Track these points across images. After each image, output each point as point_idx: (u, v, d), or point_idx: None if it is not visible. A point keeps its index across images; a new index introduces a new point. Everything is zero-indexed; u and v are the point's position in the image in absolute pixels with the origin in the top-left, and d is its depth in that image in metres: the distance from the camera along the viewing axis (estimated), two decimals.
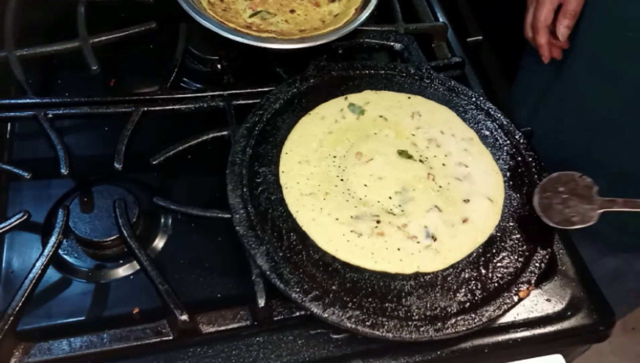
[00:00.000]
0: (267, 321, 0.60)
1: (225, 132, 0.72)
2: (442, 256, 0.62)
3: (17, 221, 0.62)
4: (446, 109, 0.76)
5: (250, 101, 0.76)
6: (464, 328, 0.57)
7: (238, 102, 0.77)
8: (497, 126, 0.75)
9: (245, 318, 0.61)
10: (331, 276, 0.59)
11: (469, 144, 0.73)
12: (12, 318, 0.56)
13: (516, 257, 0.63)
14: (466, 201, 0.67)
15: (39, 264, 0.59)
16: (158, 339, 0.59)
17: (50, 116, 0.72)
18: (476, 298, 0.59)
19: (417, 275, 0.60)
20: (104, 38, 0.80)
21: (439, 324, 0.57)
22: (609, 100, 0.81)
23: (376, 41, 0.87)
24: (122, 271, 0.66)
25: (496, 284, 0.61)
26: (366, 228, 0.63)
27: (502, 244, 0.64)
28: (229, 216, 0.63)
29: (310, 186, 0.66)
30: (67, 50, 0.78)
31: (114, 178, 0.69)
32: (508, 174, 0.71)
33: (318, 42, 0.78)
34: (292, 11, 0.87)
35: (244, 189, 0.64)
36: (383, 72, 0.80)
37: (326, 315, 0.56)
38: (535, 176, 0.70)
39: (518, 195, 0.69)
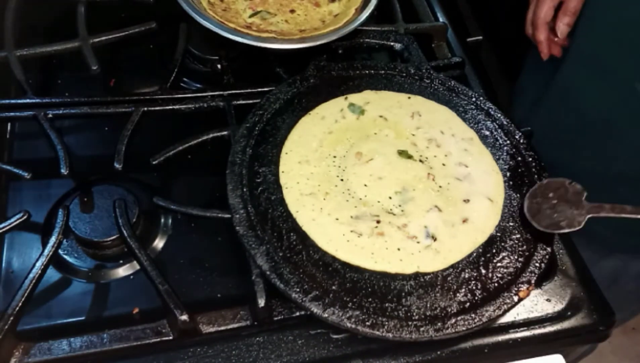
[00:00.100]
0: (267, 321, 0.60)
1: (225, 132, 0.72)
2: (442, 256, 0.62)
3: (17, 221, 0.62)
4: (446, 109, 0.76)
5: (250, 101, 0.76)
6: (464, 328, 0.57)
7: (238, 102, 0.77)
8: (497, 126, 0.75)
9: (245, 318, 0.61)
10: (331, 276, 0.59)
11: (469, 144, 0.73)
12: (12, 318, 0.56)
13: (516, 257, 0.63)
14: (466, 201, 0.67)
15: (39, 264, 0.59)
16: (158, 339, 0.59)
17: (50, 116, 0.72)
18: (476, 298, 0.59)
19: (417, 275, 0.61)
20: (104, 38, 0.80)
21: (439, 324, 0.57)
22: (607, 100, 0.81)
23: (376, 41, 0.87)
24: (122, 271, 0.66)
25: (496, 284, 0.61)
26: (366, 228, 0.63)
27: (502, 244, 0.64)
28: (229, 216, 0.63)
29: (310, 186, 0.66)
30: (67, 50, 0.78)
31: (114, 178, 0.69)
32: (508, 174, 0.71)
33: (318, 42, 0.78)
34: (292, 11, 0.87)
35: (244, 189, 0.64)
36: (383, 72, 0.80)
37: (326, 315, 0.56)
38: (535, 176, 0.70)
39: (518, 195, 0.69)
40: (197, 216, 0.65)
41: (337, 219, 0.63)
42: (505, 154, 0.73)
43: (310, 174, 0.67)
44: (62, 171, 0.68)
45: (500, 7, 1.11)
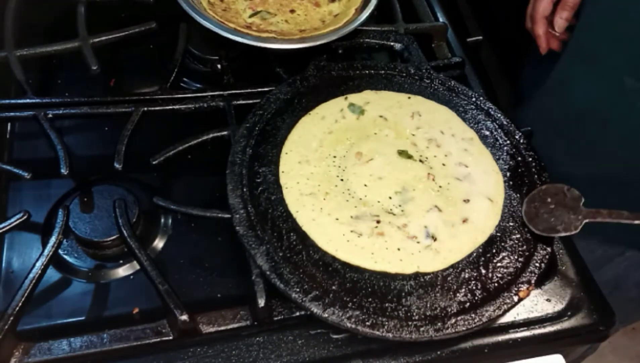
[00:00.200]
0: (267, 321, 0.60)
1: (225, 132, 0.72)
2: (442, 256, 0.62)
3: (17, 221, 0.62)
4: (446, 109, 0.76)
5: (250, 101, 0.76)
6: (464, 328, 0.57)
7: (238, 102, 0.77)
8: (497, 126, 0.75)
9: (245, 318, 0.61)
10: (331, 276, 0.59)
11: (469, 144, 0.73)
12: (12, 318, 0.56)
13: (516, 257, 0.63)
14: (466, 201, 0.67)
15: (39, 264, 0.59)
16: (158, 339, 0.59)
17: (50, 116, 0.72)
18: (476, 298, 0.59)
19: (417, 275, 0.60)
20: (104, 38, 0.80)
21: (439, 324, 0.57)
22: (599, 95, 0.81)
23: (376, 41, 0.87)
24: (122, 271, 0.66)
25: (496, 284, 0.61)
26: (366, 228, 0.63)
27: (502, 244, 0.64)
28: (229, 216, 0.63)
29: (310, 186, 0.66)
30: (67, 50, 0.78)
31: (114, 178, 0.69)
32: (508, 174, 0.71)
33: (318, 42, 0.78)
34: (292, 11, 0.87)
35: (244, 189, 0.64)
36: (383, 72, 0.80)
37: (326, 315, 0.56)
38: (535, 176, 0.70)
39: (518, 195, 0.69)
40: (197, 216, 0.65)
41: (337, 219, 0.63)
42: (505, 154, 0.73)
43: (310, 174, 0.67)
44: (62, 171, 0.68)
45: (500, 7, 1.11)
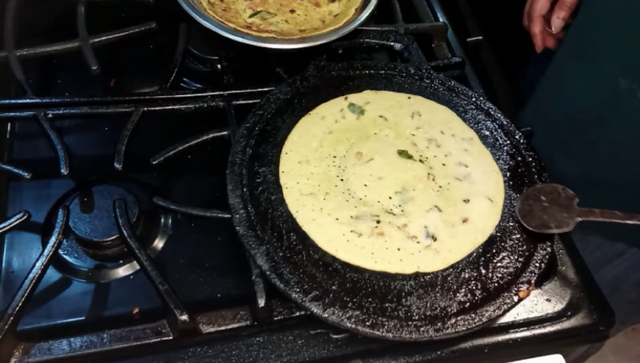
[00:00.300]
0: (267, 321, 0.60)
1: (225, 132, 0.72)
2: (442, 256, 0.62)
3: (17, 221, 0.62)
4: (446, 109, 0.76)
5: (250, 101, 0.76)
6: (464, 328, 0.57)
7: (238, 102, 0.77)
8: (497, 126, 0.75)
9: (245, 318, 0.61)
10: (331, 276, 0.59)
11: (469, 144, 0.73)
12: (12, 318, 0.56)
13: (516, 257, 0.63)
14: (466, 201, 0.67)
15: (39, 264, 0.59)
16: (158, 339, 0.59)
17: (50, 116, 0.72)
18: (476, 298, 0.59)
19: (417, 275, 0.60)
20: (104, 38, 0.80)
21: (439, 324, 0.57)
22: (593, 95, 0.81)
23: (376, 41, 0.87)
24: (122, 271, 0.66)
25: (496, 284, 0.61)
26: (366, 228, 0.63)
27: (502, 244, 0.64)
28: (229, 216, 0.63)
29: (310, 186, 0.66)
30: (67, 50, 0.78)
31: (114, 178, 0.69)
32: (508, 174, 0.71)
33: (318, 42, 0.78)
34: (292, 11, 0.87)
35: (244, 189, 0.64)
36: (383, 72, 0.80)
37: (326, 315, 0.56)
38: (535, 176, 0.70)
39: (518, 195, 0.69)
40: (197, 216, 0.65)
41: (337, 219, 0.63)
42: (505, 154, 0.73)
43: (310, 174, 0.67)
44: (62, 171, 0.68)
45: (500, 7, 1.11)
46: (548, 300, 0.64)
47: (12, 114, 0.73)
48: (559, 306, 0.64)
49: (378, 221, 0.63)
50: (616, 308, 0.65)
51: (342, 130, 0.72)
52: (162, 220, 0.70)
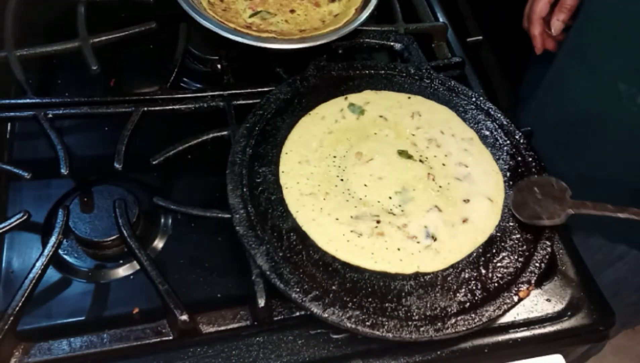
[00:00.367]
0: (267, 321, 0.60)
1: (225, 132, 0.72)
2: (442, 256, 0.62)
3: (17, 221, 0.62)
4: (446, 109, 0.76)
5: (250, 101, 0.76)
6: (464, 328, 0.57)
7: (238, 102, 0.77)
8: (497, 126, 0.75)
9: (245, 318, 0.61)
10: (331, 276, 0.59)
11: (469, 144, 0.73)
12: (12, 318, 0.56)
13: (516, 257, 0.63)
14: (466, 201, 0.67)
15: (39, 264, 0.59)
16: (158, 339, 0.59)
17: (50, 116, 0.72)
18: (476, 298, 0.59)
19: (417, 275, 0.60)
20: (104, 38, 0.80)
21: (439, 324, 0.57)
22: (592, 98, 0.81)
23: (376, 41, 0.87)
24: (122, 271, 0.66)
25: (496, 284, 0.61)
26: (366, 228, 0.63)
27: (502, 244, 0.64)
28: (229, 216, 0.63)
29: (310, 186, 0.66)
30: (67, 50, 0.78)
31: (114, 178, 0.69)
32: (508, 174, 0.71)
33: (318, 42, 0.78)
34: (292, 11, 0.87)
35: (244, 189, 0.64)
36: (383, 72, 0.80)
37: (326, 315, 0.56)
38: (535, 176, 0.70)
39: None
40: (197, 216, 0.65)
41: (337, 219, 0.63)
42: (505, 154, 0.73)
43: (310, 174, 0.67)
44: (62, 171, 0.68)
45: (500, 7, 1.11)
46: (548, 300, 0.64)
47: (12, 114, 0.73)
48: (559, 306, 0.64)
49: (378, 221, 0.63)
50: (617, 311, 0.65)
51: (342, 130, 0.72)
52: (162, 220, 0.70)
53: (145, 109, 0.74)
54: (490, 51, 1.06)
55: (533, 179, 0.69)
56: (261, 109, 0.72)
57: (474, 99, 0.78)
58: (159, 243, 0.68)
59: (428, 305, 0.58)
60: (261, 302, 0.58)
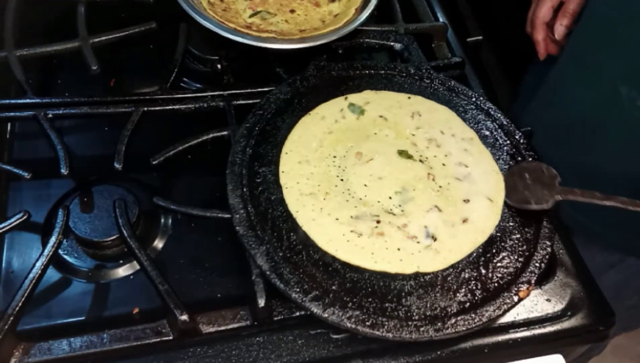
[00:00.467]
0: (267, 321, 0.60)
1: (225, 132, 0.72)
2: (442, 256, 0.62)
3: (17, 221, 0.62)
4: (446, 109, 0.76)
5: (250, 101, 0.76)
6: (464, 328, 0.57)
7: (238, 102, 0.77)
8: (497, 126, 0.75)
9: (245, 318, 0.61)
10: (331, 276, 0.59)
11: (469, 144, 0.73)
12: (12, 318, 0.56)
13: (516, 257, 0.63)
14: (466, 201, 0.67)
15: (39, 264, 0.59)
16: (158, 339, 0.59)
17: (50, 116, 0.72)
18: (476, 298, 0.59)
19: (417, 275, 0.60)
20: (104, 38, 0.80)
21: (439, 324, 0.57)
22: (593, 102, 0.81)
23: (376, 41, 0.87)
24: (122, 271, 0.66)
25: (496, 284, 0.61)
26: (366, 228, 0.63)
27: (502, 244, 0.64)
28: (229, 216, 0.63)
29: (310, 186, 0.66)
30: (67, 50, 0.78)
31: (114, 178, 0.69)
32: None
33: (318, 42, 0.78)
34: (292, 11, 0.87)
35: (244, 189, 0.64)
36: (383, 72, 0.80)
37: (326, 315, 0.56)
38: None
39: None
40: (197, 216, 0.65)
41: (337, 219, 0.63)
42: (505, 154, 0.73)
43: (310, 174, 0.67)
44: (62, 171, 0.68)
45: (500, 7, 1.11)
46: (548, 300, 0.64)
47: (12, 114, 0.73)
48: (559, 306, 0.64)
49: (378, 221, 0.63)
50: (618, 314, 0.65)
51: (342, 130, 0.72)
52: (162, 220, 0.70)
53: (145, 109, 0.74)
54: (490, 51, 1.06)
55: (524, 165, 0.70)
56: (261, 109, 0.72)
57: (474, 99, 0.78)
58: (159, 243, 0.68)
59: (428, 305, 0.58)
60: (261, 302, 0.58)
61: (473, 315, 0.58)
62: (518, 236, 0.65)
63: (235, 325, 0.60)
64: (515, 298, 0.60)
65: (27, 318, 0.59)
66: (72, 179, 0.70)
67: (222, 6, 0.85)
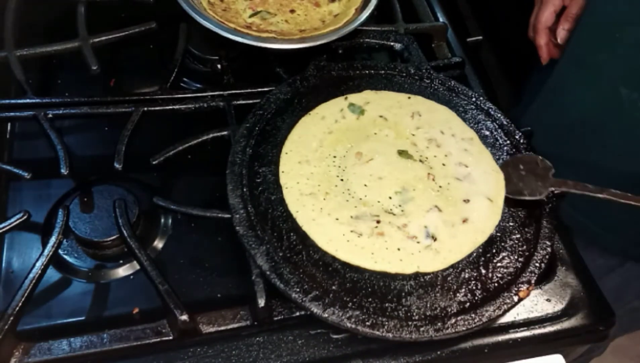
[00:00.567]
0: (267, 321, 0.60)
1: (225, 132, 0.72)
2: (442, 256, 0.62)
3: (17, 221, 0.62)
4: (446, 109, 0.76)
5: (250, 101, 0.76)
6: (464, 328, 0.57)
7: (238, 102, 0.77)
8: (497, 126, 0.75)
9: (245, 318, 0.61)
10: (331, 276, 0.59)
11: (469, 144, 0.73)
12: (12, 318, 0.56)
13: (516, 257, 0.63)
14: (466, 201, 0.67)
15: (39, 264, 0.59)
16: (158, 339, 0.59)
17: (50, 116, 0.72)
18: (476, 298, 0.59)
19: (417, 275, 0.60)
20: (104, 38, 0.80)
21: (439, 324, 0.57)
22: (593, 103, 0.81)
23: (376, 41, 0.87)
24: (122, 271, 0.66)
25: (496, 284, 0.61)
26: (366, 228, 0.63)
27: (502, 244, 0.64)
28: (229, 216, 0.63)
29: (310, 186, 0.66)
30: (67, 50, 0.78)
31: (114, 178, 0.69)
32: None
33: (318, 42, 0.78)
34: (292, 11, 0.87)
35: (244, 189, 0.64)
36: (383, 72, 0.80)
37: (326, 315, 0.56)
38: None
39: None
40: (197, 216, 0.65)
41: (337, 219, 0.63)
42: (505, 154, 0.73)
43: (310, 174, 0.67)
44: (62, 171, 0.68)
45: (500, 7, 1.11)
46: (548, 300, 0.64)
47: (12, 114, 0.73)
48: (559, 306, 0.64)
49: (378, 221, 0.63)
50: (618, 317, 0.65)
51: (342, 130, 0.72)
52: (162, 220, 0.70)
53: (145, 109, 0.74)
54: (490, 51, 1.06)
55: (519, 157, 0.71)
56: (261, 109, 0.72)
57: (474, 99, 0.78)
58: (159, 243, 0.68)
59: (428, 305, 0.58)
60: (261, 302, 0.58)
61: (473, 315, 0.58)
62: (518, 236, 0.65)
63: (235, 325, 0.60)
64: (515, 298, 0.60)
65: (27, 318, 0.59)
66: (72, 179, 0.70)
67: (222, 6, 0.85)
